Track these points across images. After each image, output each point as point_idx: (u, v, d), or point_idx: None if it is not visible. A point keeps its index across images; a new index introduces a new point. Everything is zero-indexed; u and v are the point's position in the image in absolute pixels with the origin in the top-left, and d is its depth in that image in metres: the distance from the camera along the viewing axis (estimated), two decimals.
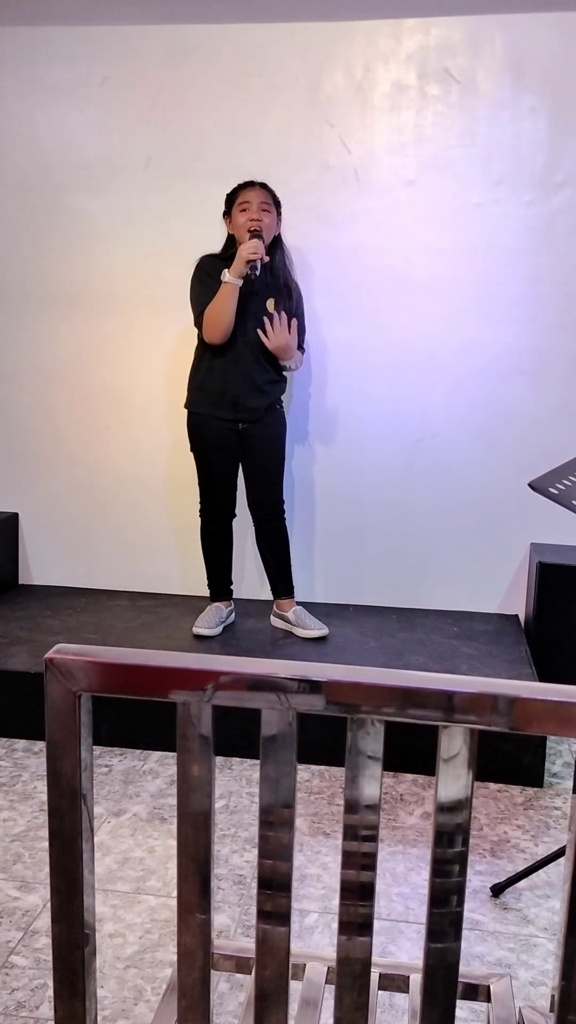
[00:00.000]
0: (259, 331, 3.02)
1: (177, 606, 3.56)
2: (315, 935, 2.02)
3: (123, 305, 3.58)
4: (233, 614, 3.36)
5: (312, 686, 0.88)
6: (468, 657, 3.09)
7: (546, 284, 3.36)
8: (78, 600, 3.63)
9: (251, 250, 2.89)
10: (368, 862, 0.93)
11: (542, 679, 3.18)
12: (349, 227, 3.40)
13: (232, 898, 2.14)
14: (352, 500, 3.59)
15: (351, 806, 0.92)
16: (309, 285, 3.42)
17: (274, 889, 0.95)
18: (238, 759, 2.81)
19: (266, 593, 3.65)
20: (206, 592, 3.44)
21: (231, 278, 2.93)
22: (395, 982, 1.23)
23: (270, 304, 3.08)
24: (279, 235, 3.12)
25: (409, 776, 2.74)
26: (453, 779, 0.89)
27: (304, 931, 2.04)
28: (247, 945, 1.26)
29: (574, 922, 0.90)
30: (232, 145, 3.42)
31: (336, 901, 2.14)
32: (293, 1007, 1.56)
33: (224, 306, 2.96)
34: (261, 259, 2.92)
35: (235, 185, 3.08)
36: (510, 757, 2.68)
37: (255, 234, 2.93)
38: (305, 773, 2.74)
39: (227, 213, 3.09)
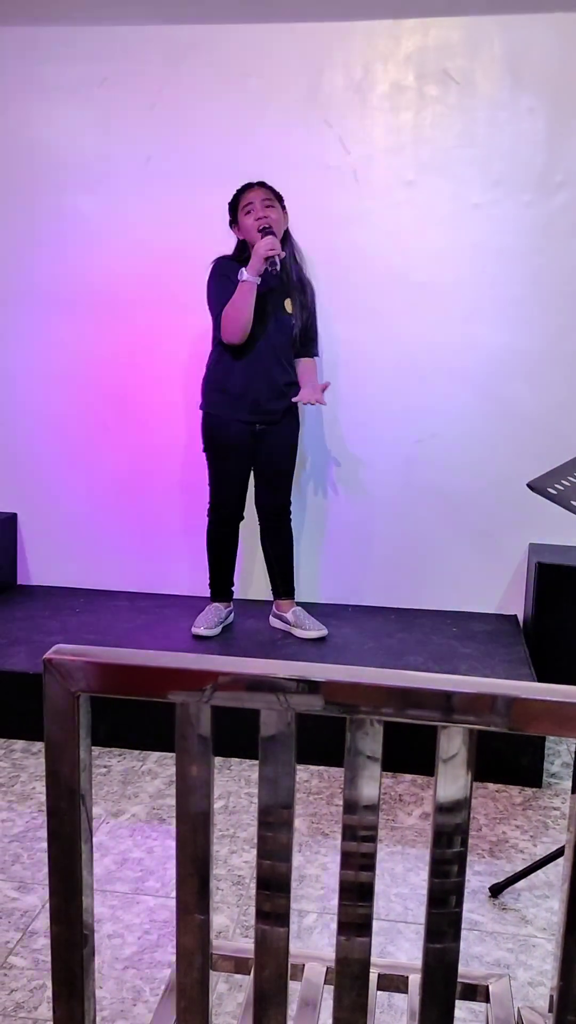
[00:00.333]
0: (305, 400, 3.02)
1: (176, 606, 3.56)
2: (314, 935, 2.02)
3: (121, 305, 3.58)
4: (232, 614, 3.36)
5: (311, 686, 0.88)
6: (467, 657, 3.09)
7: (545, 285, 3.36)
8: (77, 600, 3.63)
9: (268, 246, 2.87)
10: (367, 862, 0.93)
11: (541, 679, 3.19)
12: (348, 228, 3.40)
13: (231, 899, 2.14)
14: (351, 501, 3.59)
15: (350, 806, 0.92)
16: None
17: (273, 889, 0.95)
18: (237, 759, 2.81)
19: (265, 594, 3.65)
20: (205, 592, 3.44)
21: (249, 277, 2.91)
22: (394, 982, 1.23)
23: (288, 304, 3.06)
24: (288, 231, 3.10)
25: (408, 776, 2.74)
26: (452, 779, 0.89)
27: (303, 931, 2.04)
28: (246, 946, 1.26)
29: (573, 922, 0.90)
30: (231, 145, 3.42)
31: (335, 901, 2.14)
32: (292, 1008, 1.56)
33: (243, 305, 2.94)
34: (278, 254, 2.90)
35: (234, 192, 3.06)
36: (509, 757, 2.68)
37: (267, 231, 2.92)
38: (304, 773, 2.74)
39: (233, 221, 3.07)
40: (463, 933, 2.03)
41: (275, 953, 0.96)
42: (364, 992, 0.96)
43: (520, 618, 3.55)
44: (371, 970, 1.14)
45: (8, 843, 2.34)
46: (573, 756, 2.92)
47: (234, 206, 3.06)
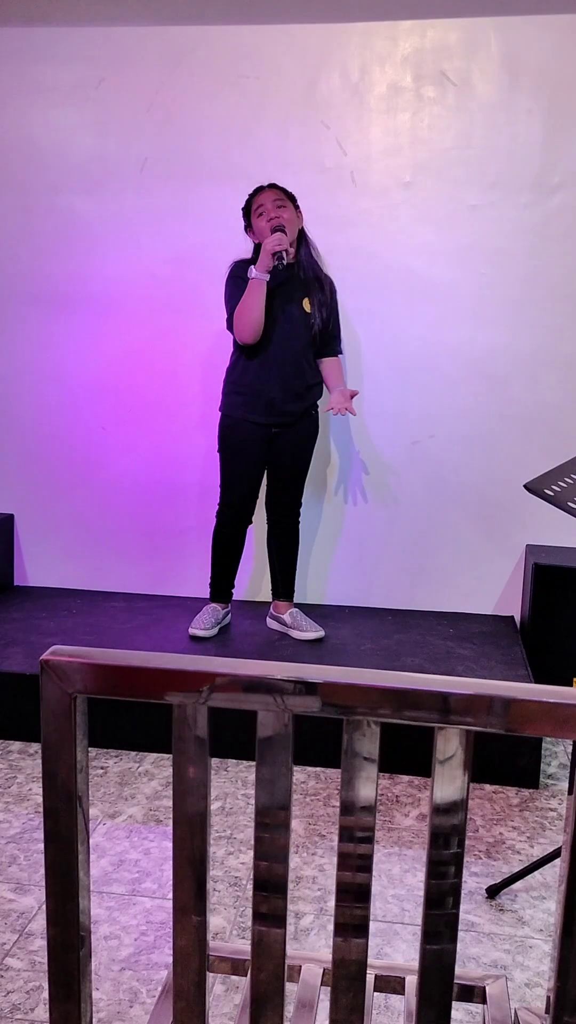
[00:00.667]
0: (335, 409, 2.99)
1: (173, 608, 3.55)
2: (311, 937, 2.02)
3: (118, 306, 3.58)
4: (229, 616, 3.36)
5: (308, 688, 0.88)
6: (464, 658, 3.09)
7: (542, 286, 3.36)
8: (74, 601, 3.62)
9: (275, 242, 2.87)
10: (364, 864, 0.93)
11: (538, 680, 3.19)
12: (345, 229, 3.40)
13: (228, 900, 2.14)
14: (348, 501, 3.59)
15: (347, 808, 0.92)
16: None
17: (270, 891, 0.95)
18: (234, 761, 2.81)
19: (262, 595, 3.65)
20: (202, 594, 3.44)
21: (258, 274, 2.91)
22: (391, 984, 1.23)
23: (306, 304, 3.05)
24: (303, 229, 3.09)
25: (405, 778, 2.75)
26: (449, 780, 0.90)
27: (300, 933, 2.04)
28: (243, 947, 1.26)
29: (569, 923, 0.90)
30: (228, 147, 3.42)
31: (332, 903, 2.14)
32: (289, 1009, 1.56)
33: (252, 303, 2.93)
34: (286, 250, 2.89)
35: (246, 197, 3.06)
36: (506, 758, 2.69)
37: (278, 229, 2.91)
38: (301, 775, 2.74)
39: (248, 226, 3.07)
40: (460, 934, 2.03)
41: (272, 954, 0.96)
42: (361, 993, 0.96)
43: (517, 619, 3.55)
44: (368, 971, 1.14)
45: (5, 844, 2.34)
46: (570, 757, 2.92)
47: (247, 211, 3.05)
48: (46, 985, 1.84)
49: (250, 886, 2.19)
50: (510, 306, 3.39)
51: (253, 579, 3.67)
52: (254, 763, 0.86)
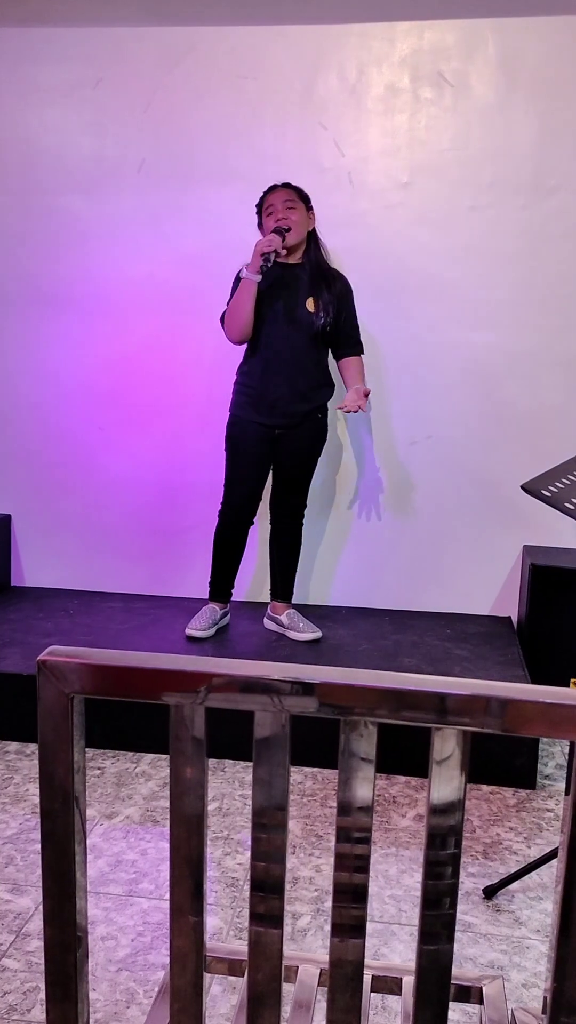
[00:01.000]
0: (347, 408, 2.91)
1: (170, 608, 3.55)
2: (308, 937, 2.02)
3: (116, 307, 3.58)
4: (227, 617, 3.36)
5: (305, 688, 0.88)
6: (461, 659, 3.09)
7: (539, 287, 3.37)
8: (71, 602, 3.62)
9: (265, 243, 2.87)
10: (361, 864, 0.93)
11: (535, 681, 3.19)
12: (342, 230, 3.40)
13: (225, 900, 2.14)
14: (345, 502, 3.59)
15: (344, 808, 0.92)
16: None
17: (267, 891, 0.95)
18: (231, 761, 2.80)
19: (260, 596, 3.65)
20: (199, 594, 3.44)
21: (247, 274, 2.91)
22: (388, 984, 1.23)
23: (310, 304, 3.02)
24: (314, 230, 3.08)
25: (402, 778, 2.75)
26: (446, 781, 0.90)
27: (297, 933, 2.04)
28: (240, 947, 1.25)
29: (566, 924, 0.90)
30: (226, 147, 3.42)
31: (329, 903, 2.14)
32: (286, 1009, 1.56)
33: (238, 302, 2.94)
34: (276, 251, 2.88)
35: (246, 196, 3.05)
36: (503, 759, 2.69)
37: (280, 231, 2.92)
38: (298, 775, 2.74)
39: (260, 224, 3.07)
40: (457, 935, 2.03)
41: (269, 955, 0.96)
42: (358, 994, 0.96)
43: (514, 620, 3.55)
44: (365, 972, 1.14)
45: (2, 845, 2.34)
46: (567, 758, 2.92)
47: (260, 209, 3.06)
48: (43, 986, 1.84)
49: (247, 887, 2.19)
50: (507, 307, 3.39)
51: (254, 580, 3.67)
52: (251, 764, 0.86)
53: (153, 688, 0.91)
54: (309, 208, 3.05)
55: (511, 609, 3.58)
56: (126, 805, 2.55)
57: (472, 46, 3.26)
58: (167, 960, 1.91)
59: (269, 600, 3.36)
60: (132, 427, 3.65)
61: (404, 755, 2.73)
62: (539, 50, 3.23)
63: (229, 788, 2.65)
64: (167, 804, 2.55)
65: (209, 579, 3.29)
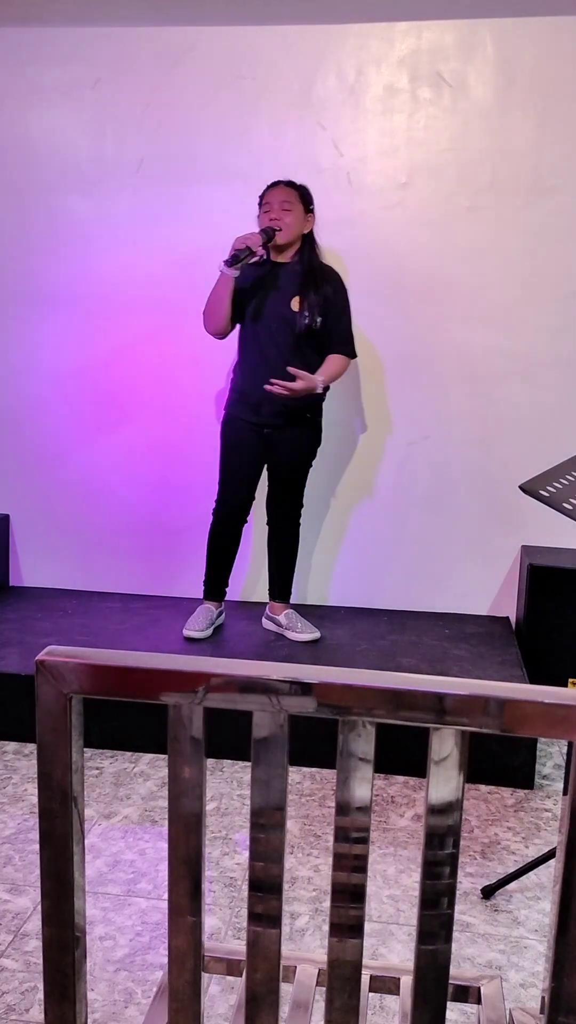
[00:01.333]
0: (275, 389, 2.87)
1: (168, 608, 3.55)
2: (306, 937, 2.02)
3: (114, 307, 3.58)
4: (224, 616, 3.36)
5: (303, 688, 0.88)
6: (459, 659, 3.10)
7: (537, 288, 3.37)
8: (69, 602, 3.62)
9: (242, 239, 2.88)
10: (359, 864, 0.93)
11: (533, 681, 3.19)
12: (341, 230, 3.40)
13: (223, 900, 2.14)
14: (343, 502, 3.59)
15: (342, 808, 0.92)
16: None
17: (265, 891, 0.95)
18: (229, 761, 2.80)
19: (257, 596, 3.65)
20: (197, 595, 3.44)
21: (223, 269, 2.92)
22: (386, 984, 1.23)
23: (295, 303, 3.01)
24: (311, 232, 3.06)
25: (400, 778, 2.75)
26: (444, 781, 0.90)
27: (295, 933, 2.04)
28: (238, 947, 1.25)
29: (564, 924, 0.90)
30: (224, 147, 3.42)
31: (327, 903, 2.14)
32: (284, 1009, 1.56)
33: (214, 296, 2.97)
34: (250, 249, 2.86)
35: (243, 194, 3.05)
36: (501, 759, 2.69)
37: (266, 231, 2.92)
38: (296, 775, 2.74)
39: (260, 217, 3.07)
40: (455, 935, 2.03)
41: (267, 955, 0.96)
42: (356, 994, 0.97)
43: (512, 620, 3.55)
44: (363, 972, 1.14)
45: (0, 845, 2.34)
46: (565, 758, 2.92)
47: (261, 202, 3.05)
48: (41, 986, 1.84)
49: (245, 886, 2.19)
50: (505, 308, 3.39)
51: (248, 579, 3.67)
52: (249, 764, 0.86)
53: (151, 688, 0.91)
54: (309, 210, 3.05)
55: (509, 609, 3.58)
56: (124, 805, 2.55)
57: (471, 46, 3.26)
58: (165, 960, 1.91)
59: (267, 600, 3.36)
60: (131, 427, 3.65)
61: (402, 755, 2.73)
62: (538, 50, 3.23)
63: (227, 788, 2.65)
64: (165, 804, 2.55)
65: (204, 578, 3.29)
